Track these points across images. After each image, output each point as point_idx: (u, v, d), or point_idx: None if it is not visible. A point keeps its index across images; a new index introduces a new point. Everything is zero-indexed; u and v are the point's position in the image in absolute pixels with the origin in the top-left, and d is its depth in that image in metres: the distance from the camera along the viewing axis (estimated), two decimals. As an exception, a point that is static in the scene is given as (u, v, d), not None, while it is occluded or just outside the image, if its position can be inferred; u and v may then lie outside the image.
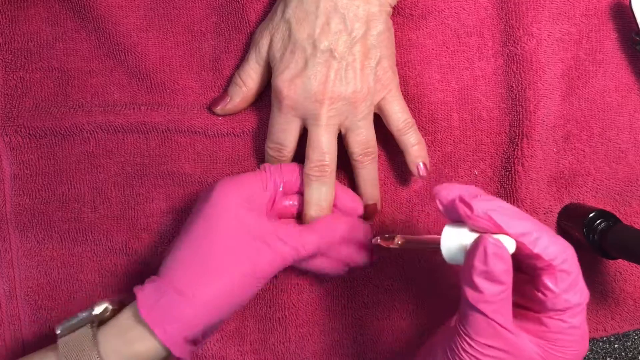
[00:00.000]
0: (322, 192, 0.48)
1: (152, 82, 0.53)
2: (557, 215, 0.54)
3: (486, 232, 0.36)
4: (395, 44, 0.53)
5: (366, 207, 0.51)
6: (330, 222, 0.48)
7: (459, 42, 0.53)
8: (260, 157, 0.53)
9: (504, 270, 0.35)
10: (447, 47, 0.54)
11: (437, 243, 0.39)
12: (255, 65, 0.51)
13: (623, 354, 0.55)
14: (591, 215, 0.50)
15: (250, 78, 0.51)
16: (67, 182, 0.52)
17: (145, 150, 0.53)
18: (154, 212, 0.53)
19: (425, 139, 0.53)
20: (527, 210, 0.53)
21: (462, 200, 0.36)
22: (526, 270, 0.38)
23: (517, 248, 0.36)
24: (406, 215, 0.54)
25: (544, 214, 0.53)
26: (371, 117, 0.49)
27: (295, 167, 0.49)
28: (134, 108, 0.53)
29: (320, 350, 0.53)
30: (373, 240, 0.46)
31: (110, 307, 0.44)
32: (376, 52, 0.48)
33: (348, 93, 0.47)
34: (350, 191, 0.51)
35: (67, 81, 0.53)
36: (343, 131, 0.49)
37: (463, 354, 0.36)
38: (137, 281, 0.52)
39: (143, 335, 0.42)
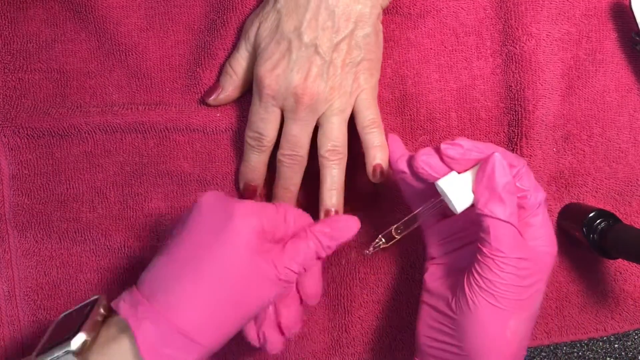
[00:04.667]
0: (292, 178, 0.50)
1: (152, 82, 0.53)
2: (557, 215, 0.54)
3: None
4: (394, 43, 0.53)
5: (327, 212, 0.49)
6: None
7: (458, 42, 0.53)
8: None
9: (512, 180, 0.40)
10: (445, 47, 0.53)
11: (434, 206, 0.43)
12: (245, 52, 0.51)
13: (623, 353, 0.55)
14: (591, 215, 0.49)
15: (240, 66, 0.51)
16: (65, 182, 0.52)
17: (143, 149, 0.53)
18: (152, 212, 0.53)
19: (423, 139, 0.53)
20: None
21: (445, 147, 0.42)
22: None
23: None
24: (405, 214, 0.53)
25: (544, 213, 0.53)
26: (344, 116, 0.49)
27: (307, 217, 0.46)
28: (131, 108, 0.53)
29: (320, 350, 0.53)
30: (372, 249, 0.45)
31: (88, 339, 0.39)
32: (359, 52, 0.48)
33: (327, 90, 0.47)
34: (319, 279, 0.47)
35: (66, 82, 0.53)
36: (318, 126, 0.49)
37: (496, 274, 0.39)
38: (135, 280, 0.53)
39: None
